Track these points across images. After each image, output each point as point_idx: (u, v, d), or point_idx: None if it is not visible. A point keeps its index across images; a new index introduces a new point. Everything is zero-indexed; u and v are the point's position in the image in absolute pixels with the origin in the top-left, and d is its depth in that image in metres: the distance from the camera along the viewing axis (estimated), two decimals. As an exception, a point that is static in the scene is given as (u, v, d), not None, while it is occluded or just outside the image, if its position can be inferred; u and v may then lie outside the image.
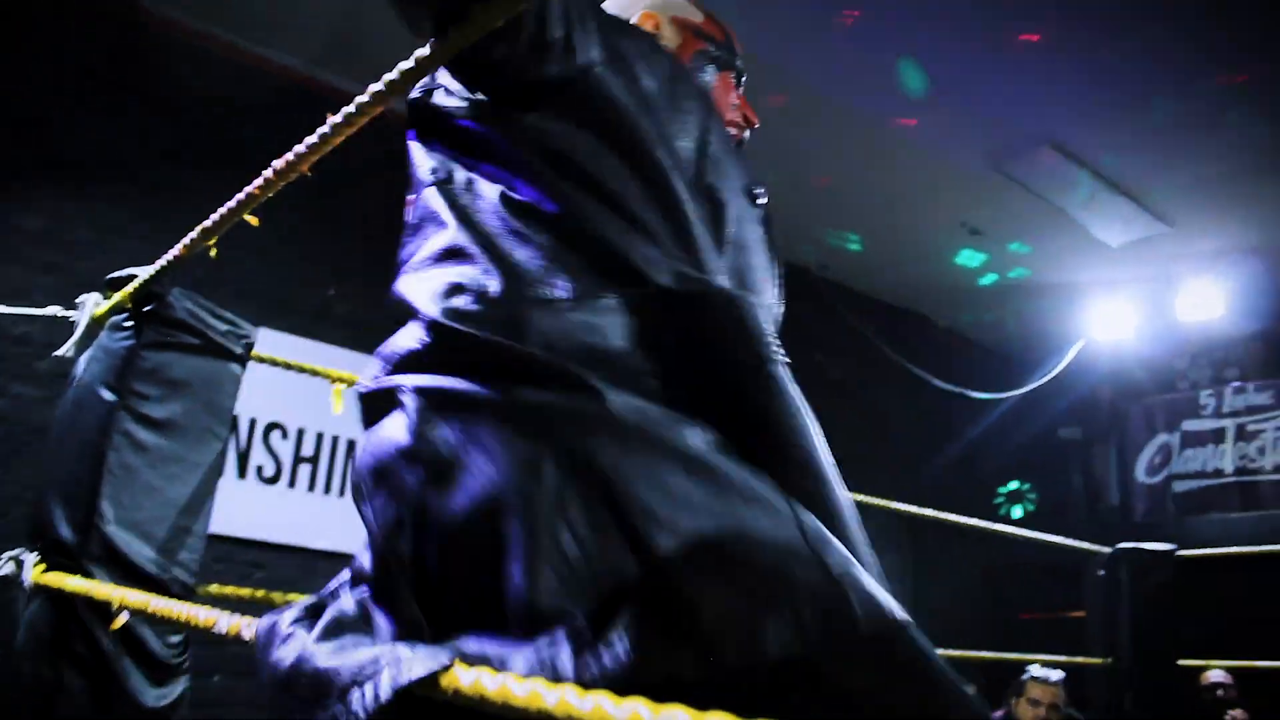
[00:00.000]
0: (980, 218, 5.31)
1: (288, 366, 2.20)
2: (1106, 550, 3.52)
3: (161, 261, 1.71)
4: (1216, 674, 4.16)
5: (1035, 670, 3.42)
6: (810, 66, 4.01)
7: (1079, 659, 3.63)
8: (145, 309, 1.86)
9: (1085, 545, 3.50)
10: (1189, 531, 4.76)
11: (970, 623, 5.41)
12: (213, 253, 1.62)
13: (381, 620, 0.78)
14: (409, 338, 0.85)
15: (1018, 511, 6.54)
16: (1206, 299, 5.62)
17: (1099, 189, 4.79)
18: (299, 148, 1.24)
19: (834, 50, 3.90)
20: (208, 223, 1.55)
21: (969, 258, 5.82)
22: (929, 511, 3.13)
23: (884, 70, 4.01)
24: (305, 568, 3.74)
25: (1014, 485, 6.55)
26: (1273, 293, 5.68)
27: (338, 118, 1.17)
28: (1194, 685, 4.10)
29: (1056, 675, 3.37)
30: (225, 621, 1.08)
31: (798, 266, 5.77)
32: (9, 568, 1.79)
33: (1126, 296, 5.85)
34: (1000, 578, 6.45)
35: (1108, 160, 4.60)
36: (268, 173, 1.33)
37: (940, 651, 0.73)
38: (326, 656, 0.74)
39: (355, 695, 0.68)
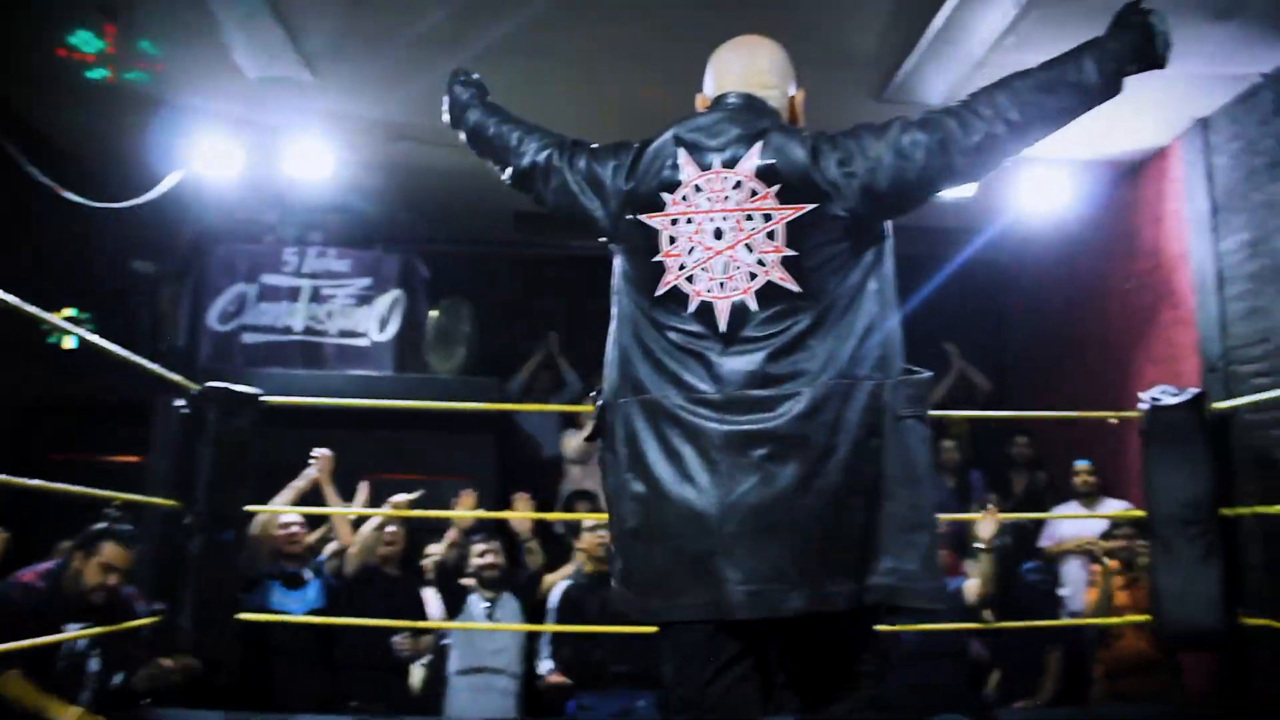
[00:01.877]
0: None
1: None
2: (192, 387, 3.19)
3: None
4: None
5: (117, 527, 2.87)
6: None
7: (143, 499, 3.22)
8: None
9: (174, 377, 3.09)
10: (252, 382, 4.69)
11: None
12: None
13: None
14: None
15: (71, 342, 5.63)
16: (316, 158, 5.60)
17: (260, 10, 4.33)
18: None
19: None
20: None
21: (85, 40, 4.64)
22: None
23: None
24: None
25: (71, 312, 5.60)
26: (377, 167, 6.01)
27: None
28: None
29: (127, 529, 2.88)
30: None
31: None
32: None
33: (239, 134, 5.41)
34: (38, 414, 5.57)
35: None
36: None
37: None
38: None
39: None
